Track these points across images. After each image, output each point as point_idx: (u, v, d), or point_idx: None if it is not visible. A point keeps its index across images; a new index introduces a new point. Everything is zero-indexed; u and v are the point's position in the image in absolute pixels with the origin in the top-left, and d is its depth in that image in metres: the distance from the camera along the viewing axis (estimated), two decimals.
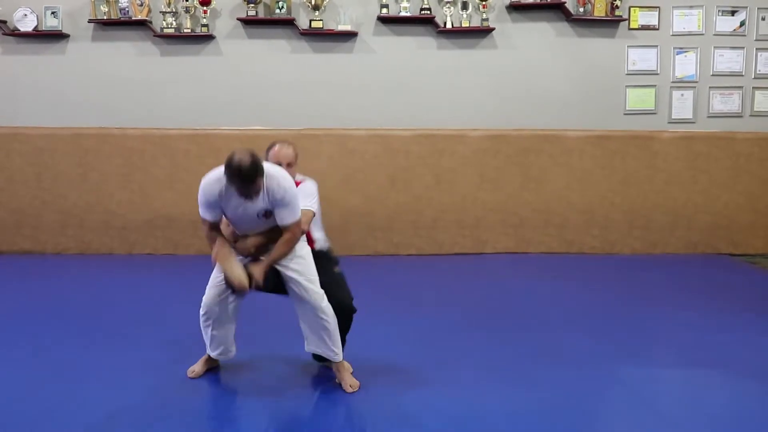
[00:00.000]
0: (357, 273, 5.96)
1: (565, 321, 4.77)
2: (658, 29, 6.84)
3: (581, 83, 6.87)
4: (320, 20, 6.57)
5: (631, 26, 6.82)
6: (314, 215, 3.91)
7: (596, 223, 6.88)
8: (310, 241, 3.83)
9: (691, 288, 5.69)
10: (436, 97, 6.81)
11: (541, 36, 6.80)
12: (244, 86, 6.73)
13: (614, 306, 5.15)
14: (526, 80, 6.83)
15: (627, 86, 6.89)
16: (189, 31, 6.61)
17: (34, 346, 4.18)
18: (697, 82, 6.90)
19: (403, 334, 4.45)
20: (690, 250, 6.90)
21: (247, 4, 6.53)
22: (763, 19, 6.84)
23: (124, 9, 6.57)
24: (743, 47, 6.87)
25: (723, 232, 6.93)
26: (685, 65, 6.89)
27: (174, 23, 6.58)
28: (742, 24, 6.85)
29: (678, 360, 4.09)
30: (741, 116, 6.94)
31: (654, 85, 6.89)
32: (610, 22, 6.77)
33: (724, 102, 6.93)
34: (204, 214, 3.52)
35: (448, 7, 6.63)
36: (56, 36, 6.64)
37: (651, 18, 6.83)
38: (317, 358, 3.83)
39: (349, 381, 3.62)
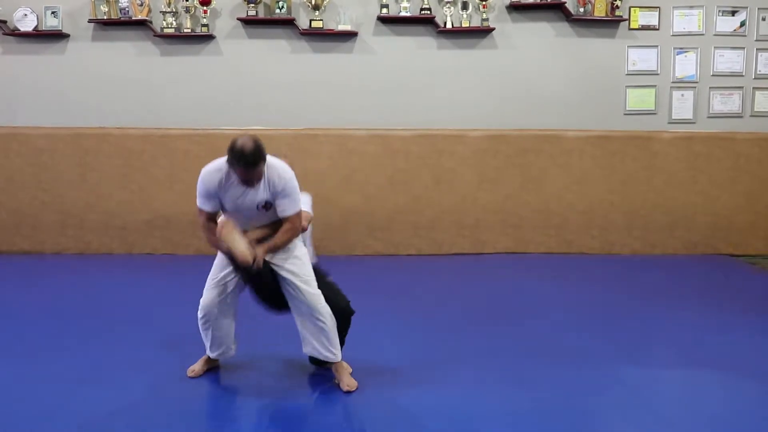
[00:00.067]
0: (356, 273, 6.02)
1: (564, 321, 4.77)
2: (658, 29, 6.84)
3: (581, 83, 6.86)
4: (320, 20, 6.57)
5: (632, 26, 6.82)
6: (311, 219, 3.90)
7: (596, 224, 6.87)
8: None
9: (690, 288, 5.69)
10: (435, 98, 6.81)
11: (541, 36, 6.80)
12: (244, 86, 6.73)
13: (614, 306, 5.15)
14: (526, 80, 6.83)
15: (627, 86, 6.89)
16: (189, 31, 6.61)
17: (33, 346, 4.18)
18: (697, 82, 6.90)
19: (403, 334, 4.45)
20: (690, 251, 6.89)
21: (247, 4, 6.53)
22: (764, 19, 6.84)
23: (124, 9, 6.57)
24: (743, 47, 6.87)
25: (723, 232, 6.92)
26: (686, 65, 6.89)
27: (174, 23, 6.58)
28: (743, 24, 6.85)
29: (677, 360, 4.09)
30: (741, 116, 6.93)
31: (654, 86, 6.89)
32: (611, 23, 6.77)
33: (724, 102, 6.93)
34: (202, 204, 3.50)
35: (448, 7, 6.63)
36: (56, 36, 6.64)
37: (651, 18, 6.83)
38: (315, 361, 3.82)
39: (347, 381, 3.61)
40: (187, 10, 6.57)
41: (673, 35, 6.85)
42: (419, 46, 6.78)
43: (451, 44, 6.80)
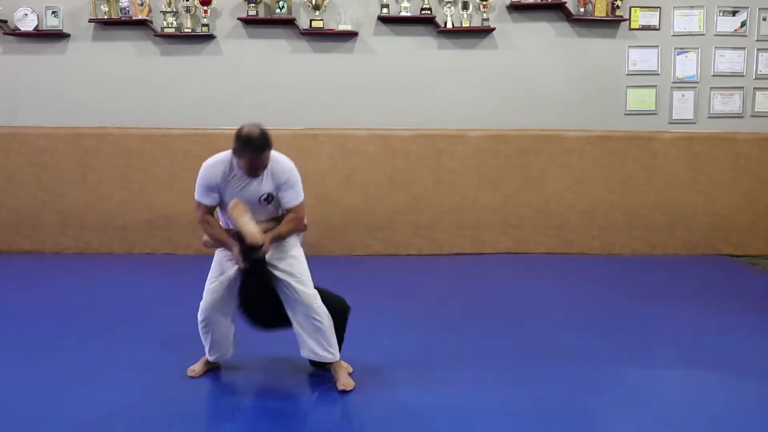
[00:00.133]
0: (357, 273, 6.03)
1: (564, 321, 4.76)
2: (658, 29, 6.84)
3: (581, 83, 6.86)
4: (321, 20, 6.57)
5: (632, 26, 6.82)
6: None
7: (596, 224, 6.87)
8: None
9: (690, 288, 5.69)
10: (436, 97, 6.81)
11: (541, 36, 6.80)
12: (245, 86, 6.73)
13: (614, 306, 5.15)
14: (526, 80, 6.83)
15: (627, 86, 6.88)
16: (189, 30, 6.61)
17: (33, 346, 4.18)
18: (697, 82, 6.89)
19: (403, 334, 4.45)
20: (690, 251, 6.89)
21: (248, 3, 6.53)
22: (764, 19, 6.84)
23: (124, 8, 6.57)
24: (744, 48, 6.86)
25: (723, 232, 6.92)
26: (686, 66, 6.88)
27: (174, 23, 6.58)
28: (743, 24, 6.84)
29: (678, 360, 4.08)
30: (742, 117, 6.93)
31: (654, 86, 6.88)
32: (611, 23, 6.77)
33: (724, 102, 6.93)
34: (201, 197, 3.49)
35: (449, 7, 6.63)
36: (57, 35, 6.64)
37: (652, 18, 6.82)
38: (315, 364, 3.80)
39: (344, 380, 3.59)
40: (188, 9, 6.57)
41: (673, 35, 6.85)
42: (419, 46, 6.78)
43: (451, 44, 6.79)
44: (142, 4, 6.55)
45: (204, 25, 6.60)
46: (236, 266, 3.52)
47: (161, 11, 6.56)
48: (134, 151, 6.67)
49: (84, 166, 6.67)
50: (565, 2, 6.63)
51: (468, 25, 6.66)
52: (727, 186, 6.88)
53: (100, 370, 3.81)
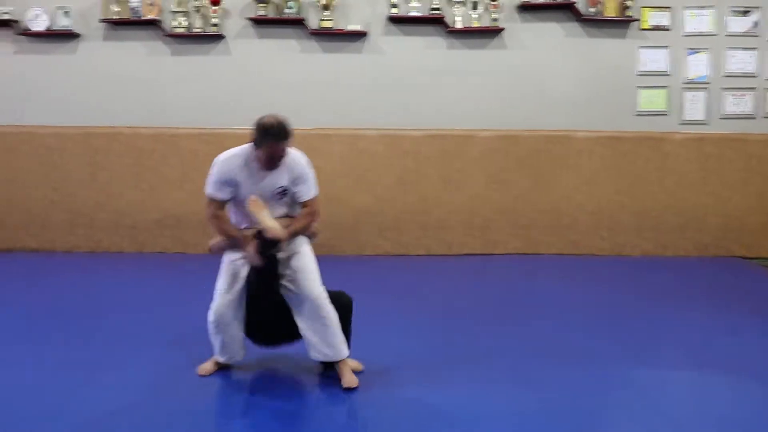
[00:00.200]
0: (366, 273, 6.03)
1: (572, 322, 4.75)
2: (669, 30, 6.80)
3: (592, 84, 6.83)
4: (330, 20, 6.58)
5: (643, 27, 6.79)
6: None
7: (605, 225, 6.84)
8: None
9: (699, 290, 5.65)
10: (445, 98, 6.80)
11: (551, 36, 6.78)
12: (254, 86, 6.74)
13: (622, 307, 5.13)
14: (536, 81, 6.81)
15: (638, 87, 6.85)
16: (199, 30, 6.63)
17: (42, 344, 4.20)
18: (709, 83, 6.85)
19: (411, 334, 4.44)
20: (701, 252, 6.84)
21: (257, 3, 6.54)
22: None
23: (135, 8, 6.60)
24: (756, 48, 6.81)
25: (734, 234, 6.87)
26: (697, 66, 6.84)
27: (184, 23, 6.61)
28: (755, 24, 6.79)
29: (686, 361, 4.06)
30: (754, 118, 6.87)
31: (665, 86, 6.85)
32: (621, 23, 6.74)
33: (736, 103, 6.88)
34: (214, 191, 3.49)
35: (458, 7, 6.62)
36: (67, 35, 6.68)
37: (662, 18, 6.79)
38: (323, 364, 3.77)
39: (348, 378, 3.58)
40: (198, 9, 6.59)
41: (684, 35, 6.81)
42: (429, 46, 6.78)
43: (460, 44, 6.78)
44: (152, 4, 6.58)
45: (213, 25, 6.62)
46: (248, 266, 3.53)
47: (171, 11, 6.59)
48: (144, 151, 6.69)
49: (94, 166, 6.70)
50: (575, 2, 6.61)
51: (477, 25, 6.65)
52: (738, 187, 6.83)
53: (107, 368, 3.81)
